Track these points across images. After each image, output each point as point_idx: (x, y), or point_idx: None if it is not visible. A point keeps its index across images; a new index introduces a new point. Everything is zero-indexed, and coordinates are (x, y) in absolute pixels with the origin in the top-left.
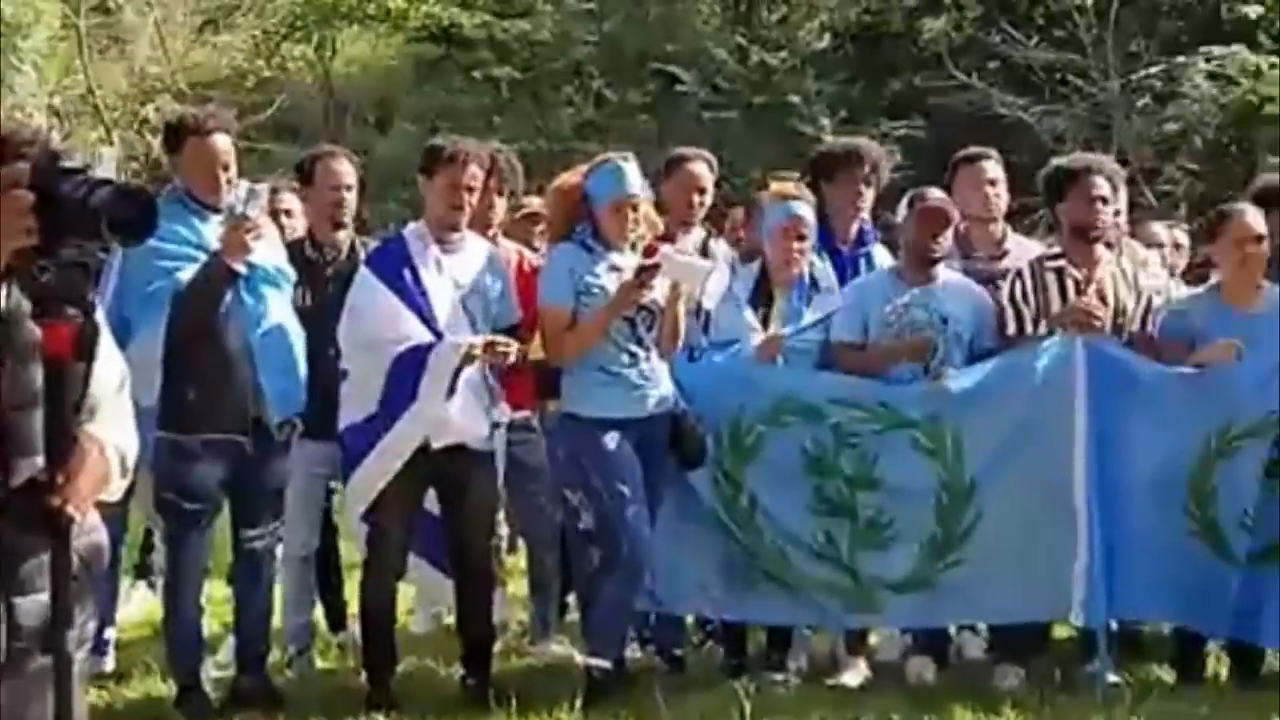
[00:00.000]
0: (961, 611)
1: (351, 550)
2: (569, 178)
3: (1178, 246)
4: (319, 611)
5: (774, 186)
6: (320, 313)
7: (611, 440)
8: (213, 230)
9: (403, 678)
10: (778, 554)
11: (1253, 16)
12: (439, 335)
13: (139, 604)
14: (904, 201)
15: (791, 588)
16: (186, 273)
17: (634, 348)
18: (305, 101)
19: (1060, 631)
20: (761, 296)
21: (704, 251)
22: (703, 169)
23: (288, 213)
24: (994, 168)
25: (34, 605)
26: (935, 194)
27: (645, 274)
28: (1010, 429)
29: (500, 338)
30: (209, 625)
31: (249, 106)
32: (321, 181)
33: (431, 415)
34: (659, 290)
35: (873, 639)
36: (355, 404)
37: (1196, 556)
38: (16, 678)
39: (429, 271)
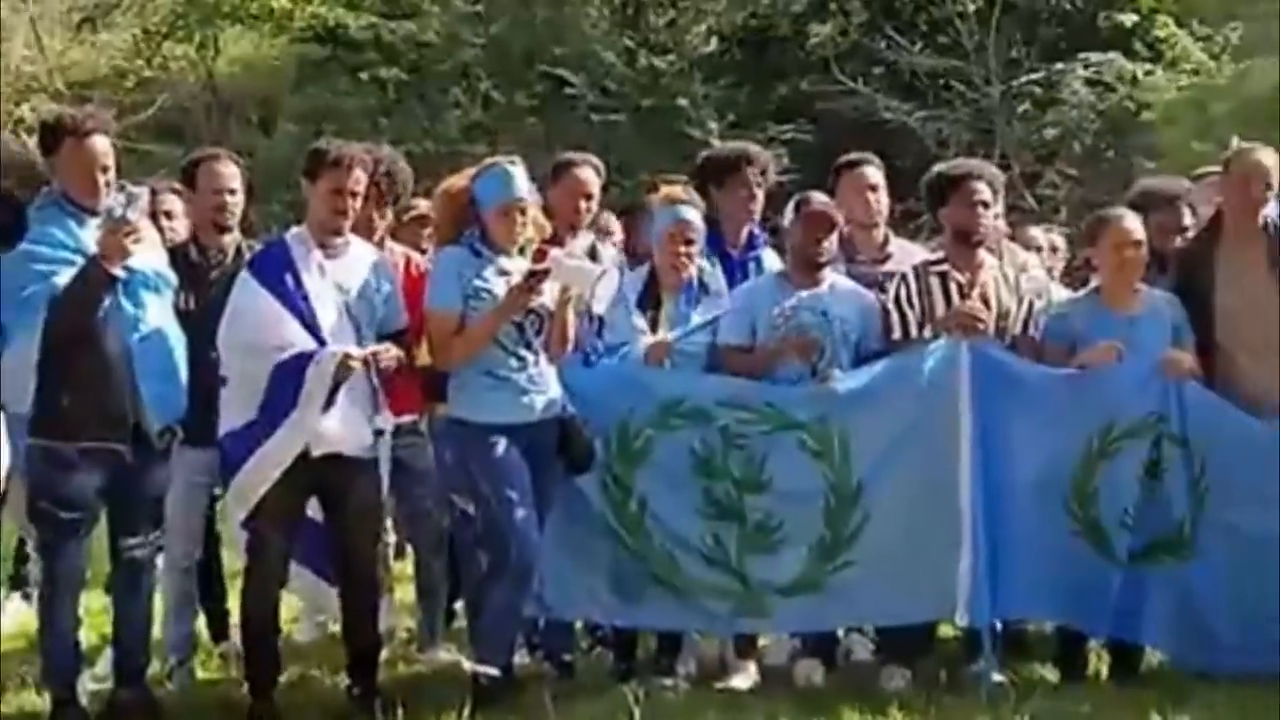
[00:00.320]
0: (850, 614)
1: (235, 559)
2: (456, 181)
3: (1055, 250)
4: (201, 621)
5: (662, 191)
6: (204, 317)
7: (499, 445)
8: (91, 234)
9: (287, 687)
10: (667, 558)
11: (1128, 25)
12: (322, 341)
13: (13, 616)
14: (789, 206)
15: (681, 592)
16: (63, 277)
17: (522, 352)
18: (187, 102)
19: (946, 631)
20: (650, 300)
21: (592, 255)
22: (590, 174)
23: (169, 215)
24: (875, 173)
25: None
26: (819, 198)
27: (534, 278)
28: (896, 431)
29: (381, 346)
30: (87, 637)
31: (129, 106)
32: (204, 184)
33: (310, 425)
34: (548, 294)
35: (761, 642)
36: (235, 410)
37: (1079, 556)
38: None
39: (311, 276)
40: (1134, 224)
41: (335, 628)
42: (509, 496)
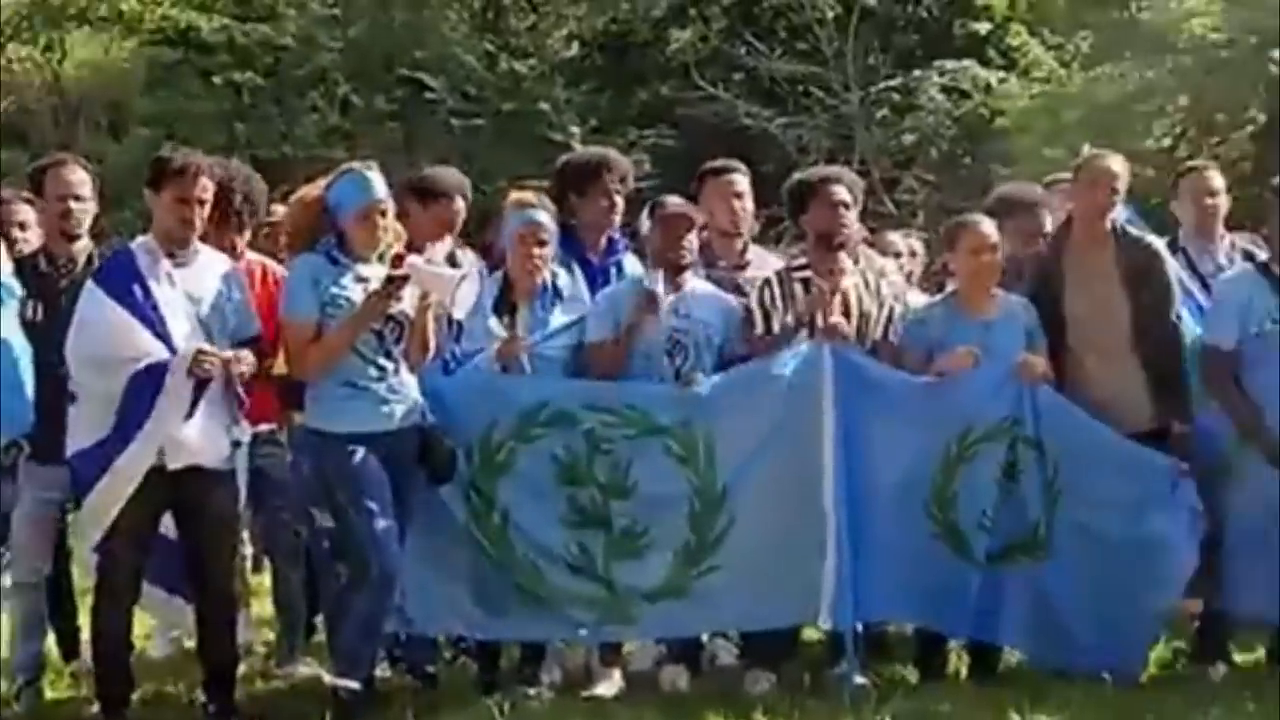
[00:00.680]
0: (715, 619)
1: (85, 575)
2: (309, 190)
3: (914, 254)
4: (51, 640)
5: (512, 195)
6: (51, 328)
7: (358, 455)
8: None
9: (140, 705)
10: (531, 568)
11: (982, 33)
12: (174, 351)
13: None
14: (645, 212)
15: (545, 602)
16: None
17: (382, 360)
18: (33, 105)
19: (809, 635)
20: (505, 305)
21: (452, 261)
22: (460, 204)
23: (22, 225)
24: (742, 180)
25: None
26: (674, 200)
27: (393, 285)
28: (760, 435)
29: (233, 353)
30: None
31: None
32: (51, 191)
33: (167, 435)
34: (407, 301)
35: (626, 648)
36: (85, 427)
37: (938, 558)
38: None
39: (160, 285)
40: (989, 229)
41: (190, 643)
42: (368, 507)
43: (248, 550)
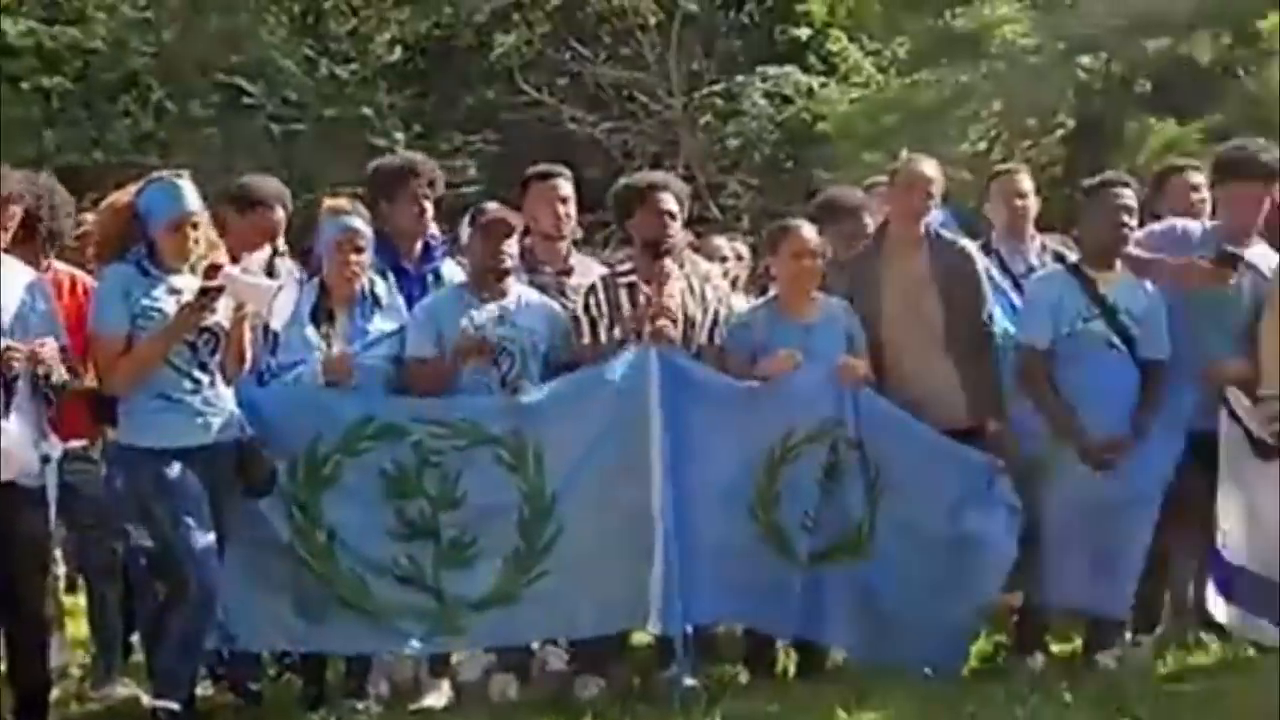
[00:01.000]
0: (545, 626)
1: None
2: (119, 197)
3: (740, 258)
4: None
5: (326, 202)
6: None
7: (174, 470)
8: None
9: None
10: (357, 582)
11: (803, 39)
12: None
13: None
14: (466, 219)
15: (373, 615)
16: None
17: (196, 373)
18: None
19: (640, 638)
20: (323, 313)
21: (270, 270)
22: (280, 215)
23: None
24: (566, 185)
25: None
26: (495, 207)
27: (207, 296)
28: (589, 441)
29: (37, 342)
30: None
31: None
32: None
33: None
34: (222, 312)
35: (455, 658)
36: None
37: (763, 559)
38: None
39: None
40: (810, 234)
41: (0, 667)
42: (186, 523)
43: (60, 570)
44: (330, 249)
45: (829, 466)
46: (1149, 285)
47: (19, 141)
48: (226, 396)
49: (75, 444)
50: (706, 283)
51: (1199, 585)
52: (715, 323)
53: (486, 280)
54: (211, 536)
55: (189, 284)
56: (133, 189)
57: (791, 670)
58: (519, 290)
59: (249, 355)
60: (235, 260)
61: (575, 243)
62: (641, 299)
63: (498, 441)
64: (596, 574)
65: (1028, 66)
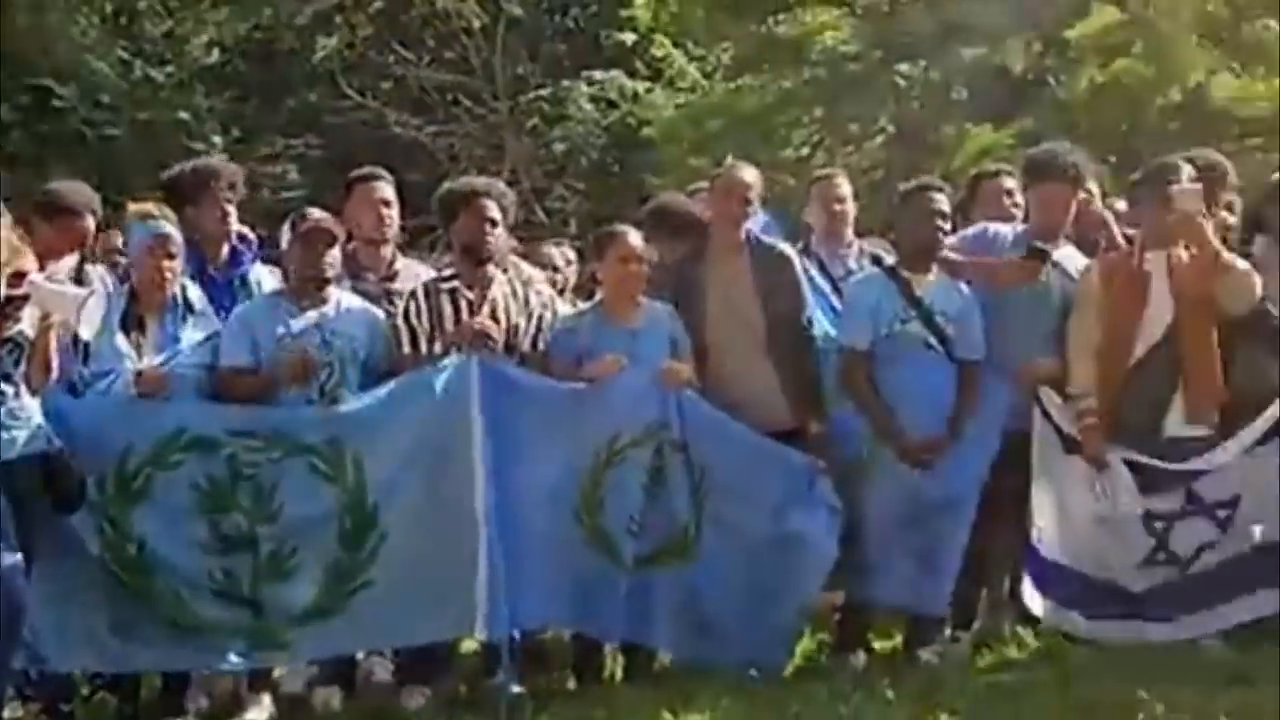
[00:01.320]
0: (369, 637)
1: None
2: None
3: (569, 263)
4: None
5: (132, 207)
6: None
7: None
8: None
9: None
10: (173, 598)
11: (629, 44)
12: None
13: None
14: (286, 225)
15: (189, 631)
16: None
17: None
18: None
19: (467, 646)
20: (133, 321)
21: (79, 278)
22: (90, 222)
23: None
24: (387, 188)
25: None
26: (316, 214)
27: (11, 305)
28: (409, 449)
29: None
30: None
31: None
32: None
33: None
34: (27, 321)
35: (277, 672)
36: None
37: (589, 563)
38: None
39: None
40: (635, 239)
41: None
42: None
43: None
44: (141, 255)
45: (654, 470)
46: (964, 287)
47: None
48: (32, 408)
49: None
50: (530, 288)
51: (1014, 581)
52: (539, 328)
53: (306, 288)
54: (18, 554)
55: None
56: None
57: (619, 675)
58: (338, 296)
59: (55, 365)
60: (43, 268)
61: (401, 247)
62: (463, 305)
63: (313, 451)
64: (421, 583)
65: (848, 73)
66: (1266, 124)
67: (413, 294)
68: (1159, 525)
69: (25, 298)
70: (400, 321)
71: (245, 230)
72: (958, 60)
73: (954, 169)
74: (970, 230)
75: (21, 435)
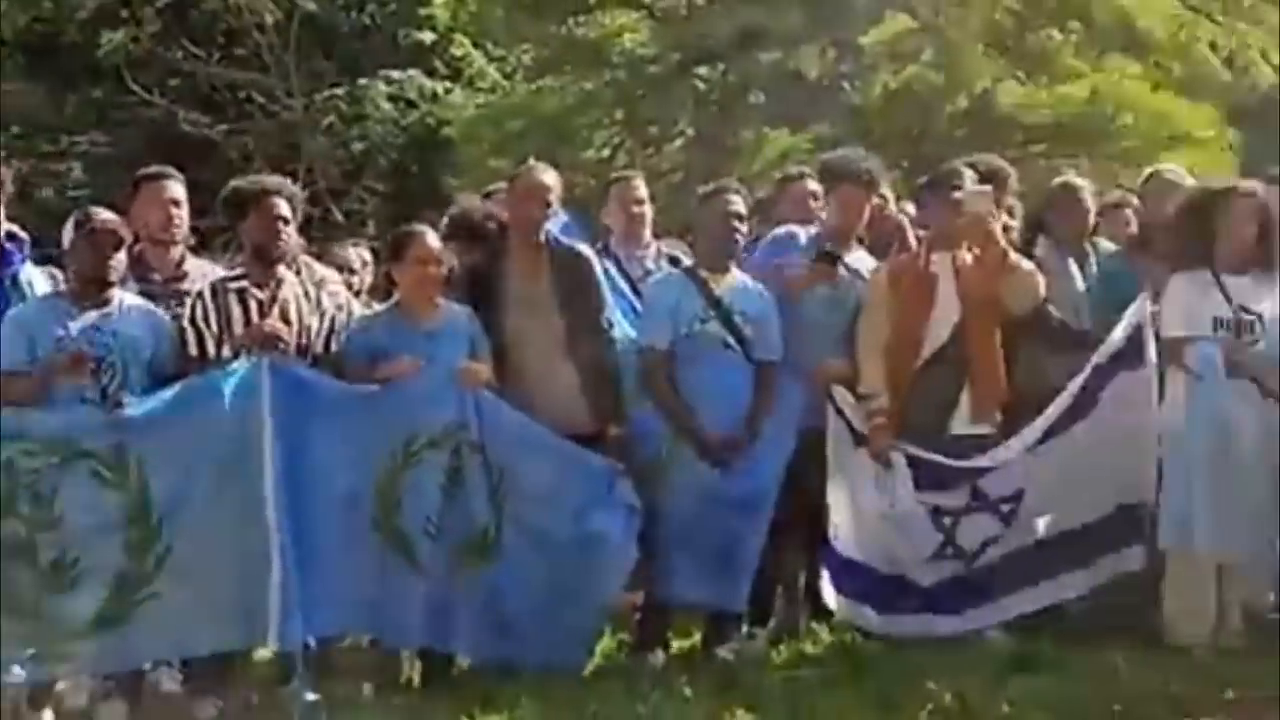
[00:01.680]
0: (158, 648)
1: None
2: None
3: (366, 264)
4: None
5: None
6: None
7: None
8: None
9: None
10: None
11: (427, 43)
12: None
13: None
14: (70, 223)
15: None
16: None
17: None
18: None
19: (261, 655)
20: None
21: None
22: None
23: None
24: (177, 187)
25: None
26: (102, 214)
27: None
28: (198, 454)
29: None
30: None
31: None
32: None
33: None
34: None
35: (59, 685)
36: None
37: (387, 567)
38: None
39: None
40: (433, 240)
41: None
42: None
43: None
44: None
45: (452, 471)
46: (761, 288)
47: None
48: None
49: None
50: (323, 289)
51: (810, 577)
52: (333, 330)
53: (87, 290)
54: None
55: None
56: None
57: (417, 680)
58: (120, 297)
59: None
60: None
61: (194, 249)
62: (253, 306)
63: (95, 456)
64: (211, 591)
65: (648, 76)
66: (1049, 130)
67: (200, 295)
68: (946, 521)
69: None
70: (187, 323)
71: (15, 229)
72: (755, 65)
73: (752, 172)
74: (772, 233)
75: None
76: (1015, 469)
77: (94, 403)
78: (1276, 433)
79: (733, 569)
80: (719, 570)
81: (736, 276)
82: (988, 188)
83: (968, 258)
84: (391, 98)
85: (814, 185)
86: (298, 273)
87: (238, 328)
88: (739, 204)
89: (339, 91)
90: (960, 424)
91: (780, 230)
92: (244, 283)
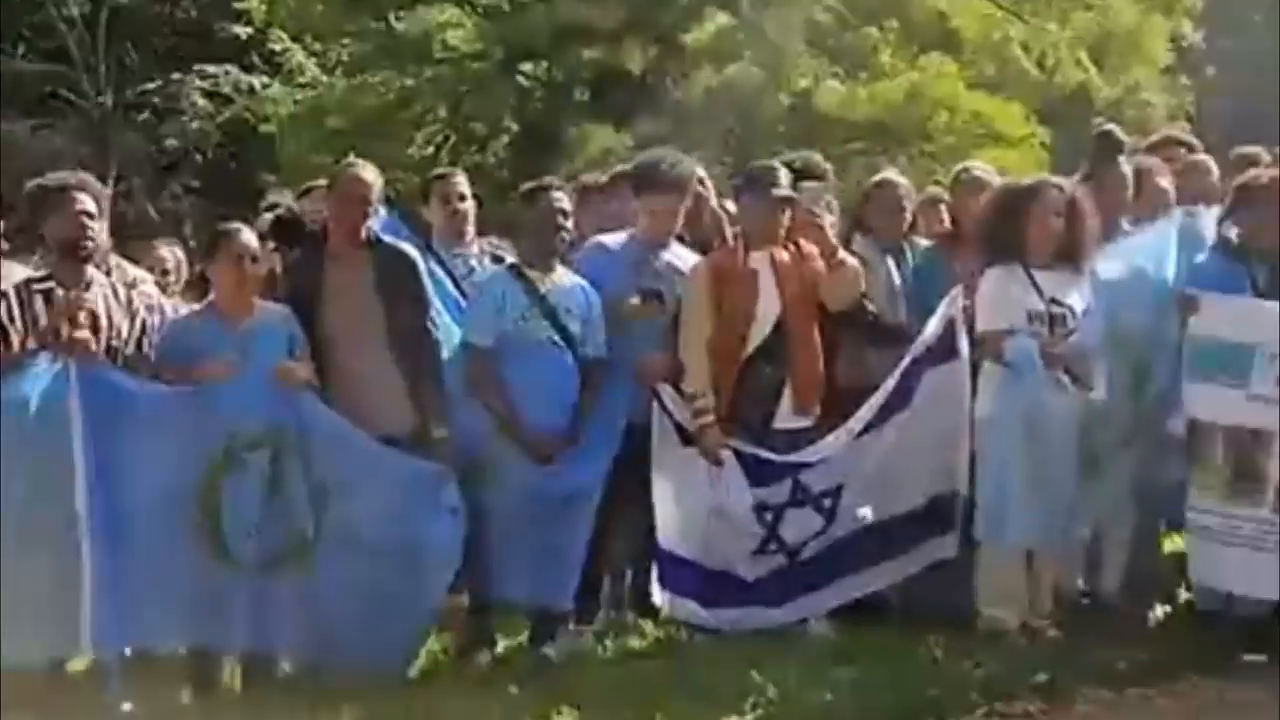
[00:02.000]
0: None
1: None
2: None
3: (180, 264)
4: None
5: None
6: None
7: None
8: None
9: None
10: None
11: (244, 37)
12: None
13: None
14: None
15: None
16: None
17: None
18: None
19: (76, 665)
20: None
21: None
22: None
23: None
24: None
25: None
26: None
27: None
28: (6, 461)
29: None
30: None
31: None
32: None
33: None
34: None
35: None
36: None
37: (207, 571)
38: None
39: None
40: (249, 238)
41: None
42: None
43: None
44: None
45: (272, 474)
46: (587, 285)
47: None
48: None
49: None
50: (134, 289)
51: (636, 573)
52: (144, 330)
53: None
54: None
55: None
56: None
57: (239, 685)
58: None
59: None
60: None
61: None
62: (59, 306)
63: None
64: (20, 603)
65: (471, 72)
66: (868, 128)
67: (3, 295)
68: (769, 516)
69: None
70: None
71: None
72: (578, 61)
73: (577, 169)
74: (584, 245)
75: None
76: (836, 462)
77: None
78: (1085, 423)
79: (559, 567)
80: (545, 568)
81: (562, 274)
82: (821, 184)
83: (785, 255)
84: (207, 93)
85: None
86: (108, 273)
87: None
88: (564, 201)
89: (151, 86)
90: (784, 418)
91: (590, 242)
92: (50, 283)
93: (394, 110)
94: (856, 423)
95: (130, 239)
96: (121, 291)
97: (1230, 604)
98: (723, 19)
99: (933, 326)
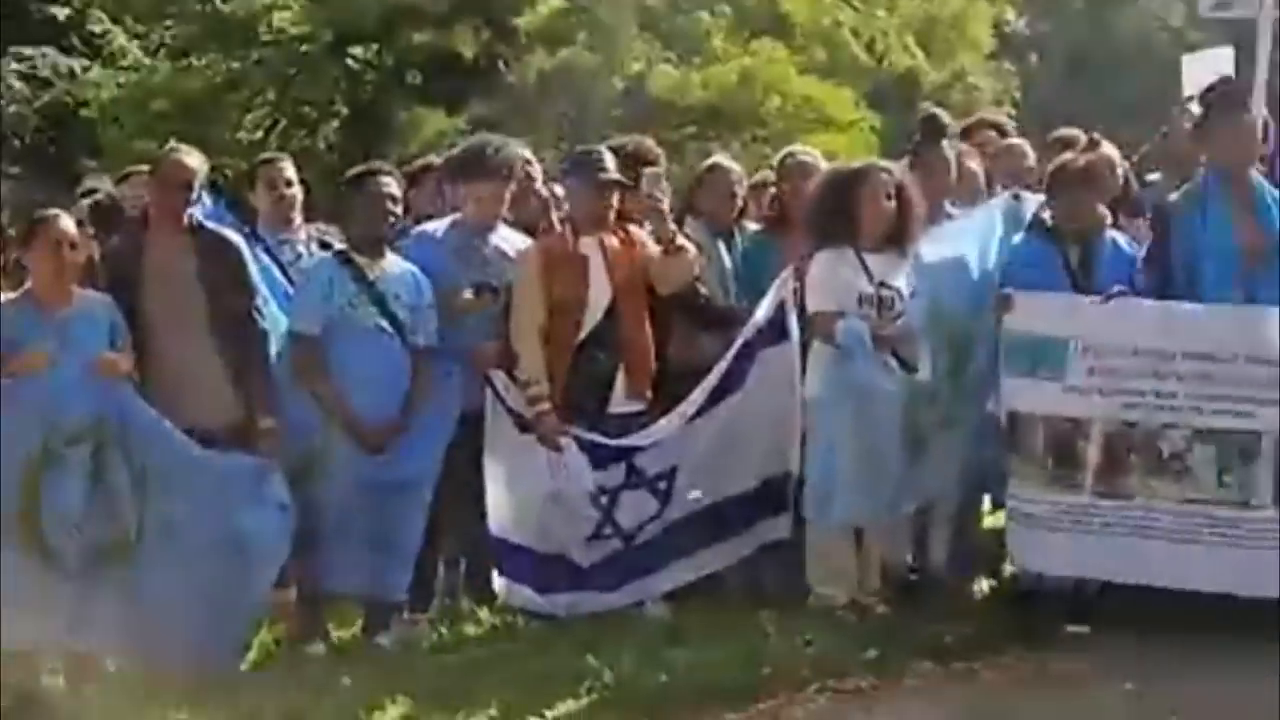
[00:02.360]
0: None
1: None
2: None
3: None
4: None
5: None
6: None
7: None
8: None
9: None
10: None
11: (62, 18)
12: None
13: None
14: None
15: None
16: None
17: None
18: None
19: None
20: None
21: None
22: None
23: None
24: None
25: None
26: None
27: None
28: None
29: None
30: None
31: None
32: None
33: None
34: None
35: None
36: None
37: (27, 572)
38: None
39: None
40: (67, 224)
41: None
42: None
43: None
44: None
45: (94, 469)
46: (417, 272)
47: None
48: None
49: None
50: None
51: (472, 560)
52: None
53: None
54: None
55: None
56: None
57: (62, 682)
58: None
59: None
60: None
61: None
62: None
63: None
64: None
65: (299, 54)
66: (701, 113)
67: None
68: (604, 500)
69: None
70: None
71: None
72: (410, 44)
73: (408, 153)
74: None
75: None
76: (670, 445)
77: None
78: (910, 403)
79: (392, 555)
80: (378, 558)
81: (391, 260)
82: (660, 169)
83: (615, 240)
84: (24, 76)
85: None
86: None
87: None
88: (392, 186)
89: None
90: (618, 402)
91: (415, 230)
92: None
93: (221, 93)
94: (689, 405)
95: None
96: None
97: (1043, 579)
98: (556, 2)
99: (764, 309)
